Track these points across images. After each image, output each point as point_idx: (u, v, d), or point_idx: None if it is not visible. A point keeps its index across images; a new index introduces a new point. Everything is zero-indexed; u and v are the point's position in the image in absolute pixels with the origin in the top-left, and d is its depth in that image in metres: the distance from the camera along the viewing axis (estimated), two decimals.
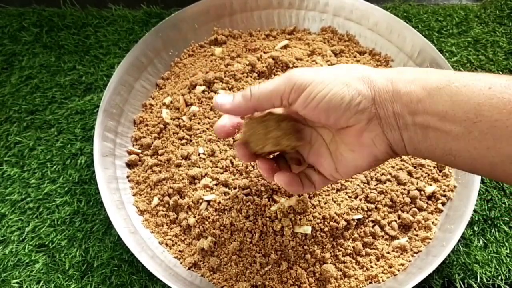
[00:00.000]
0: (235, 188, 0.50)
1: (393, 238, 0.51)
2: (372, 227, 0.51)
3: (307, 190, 0.41)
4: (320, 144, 0.40)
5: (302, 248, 0.48)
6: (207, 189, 0.51)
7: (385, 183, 0.52)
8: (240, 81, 0.57)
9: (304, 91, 0.34)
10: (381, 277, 0.49)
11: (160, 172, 0.54)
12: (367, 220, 0.51)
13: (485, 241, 0.53)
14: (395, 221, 0.51)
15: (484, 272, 0.51)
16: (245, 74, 0.57)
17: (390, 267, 0.49)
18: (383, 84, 0.34)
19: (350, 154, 0.36)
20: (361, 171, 0.37)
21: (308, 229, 0.48)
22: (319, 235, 0.48)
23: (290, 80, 0.35)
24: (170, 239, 0.51)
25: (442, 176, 0.54)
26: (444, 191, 0.53)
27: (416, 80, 0.33)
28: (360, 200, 0.51)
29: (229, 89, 0.57)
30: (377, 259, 0.50)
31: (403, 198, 0.52)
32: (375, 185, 0.52)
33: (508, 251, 0.52)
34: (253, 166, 0.51)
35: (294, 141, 0.39)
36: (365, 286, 0.49)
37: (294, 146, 0.39)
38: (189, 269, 0.50)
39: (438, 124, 0.32)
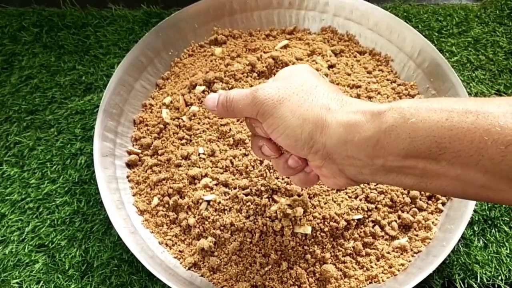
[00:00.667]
0: (235, 188, 0.50)
1: (393, 238, 0.51)
2: (372, 227, 0.51)
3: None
4: None
5: (302, 248, 0.48)
6: (207, 189, 0.51)
7: None
8: (240, 81, 0.57)
9: (265, 121, 0.36)
10: (381, 277, 0.49)
11: (160, 172, 0.54)
12: (367, 220, 0.51)
13: (485, 241, 0.53)
14: (395, 221, 0.51)
15: (484, 272, 0.51)
16: (245, 74, 0.57)
17: (390, 267, 0.49)
18: (335, 132, 0.34)
19: (320, 176, 0.39)
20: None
21: (308, 229, 0.48)
22: (319, 235, 0.48)
23: (255, 104, 0.36)
24: (170, 239, 0.51)
25: None
26: None
27: (370, 122, 0.32)
28: (360, 200, 0.51)
29: (229, 89, 0.57)
30: (377, 259, 0.50)
31: (403, 198, 0.52)
32: (375, 185, 0.52)
33: (508, 251, 0.52)
34: (253, 166, 0.51)
35: None
36: (365, 286, 0.49)
37: None
38: (189, 269, 0.50)
39: (401, 163, 0.31)
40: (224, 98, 0.39)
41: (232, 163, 0.52)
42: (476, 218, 0.54)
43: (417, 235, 0.51)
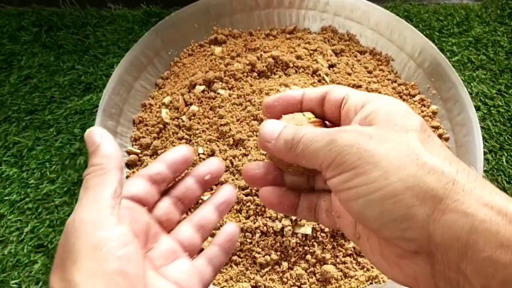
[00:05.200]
0: (235, 188, 0.50)
1: None
2: None
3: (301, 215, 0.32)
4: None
5: (303, 249, 0.48)
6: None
7: None
8: (240, 81, 0.57)
9: (346, 172, 0.24)
10: (381, 278, 0.48)
11: None
12: None
13: None
14: None
15: None
16: (245, 74, 0.57)
17: None
18: (455, 224, 0.22)
19: (379, 258, 0.26)
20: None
21: (308, 230, 0.47)
22: (320, 236, 0.48)
23: (330, 150, 0.24)
24: None
25: None
26: None
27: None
28: None
29: (229, 89, 0.56)
30: None
31: None
32: None
33: None
34: None
35: None
36: (365, 286, 0.48)
37: None
38: None
39: None
40: (292, 133, 0.27)
41: (232, 163, 0.52)
42: None
43: None
